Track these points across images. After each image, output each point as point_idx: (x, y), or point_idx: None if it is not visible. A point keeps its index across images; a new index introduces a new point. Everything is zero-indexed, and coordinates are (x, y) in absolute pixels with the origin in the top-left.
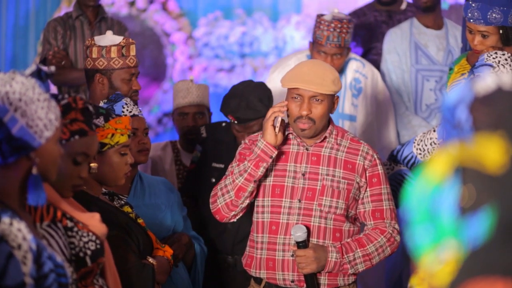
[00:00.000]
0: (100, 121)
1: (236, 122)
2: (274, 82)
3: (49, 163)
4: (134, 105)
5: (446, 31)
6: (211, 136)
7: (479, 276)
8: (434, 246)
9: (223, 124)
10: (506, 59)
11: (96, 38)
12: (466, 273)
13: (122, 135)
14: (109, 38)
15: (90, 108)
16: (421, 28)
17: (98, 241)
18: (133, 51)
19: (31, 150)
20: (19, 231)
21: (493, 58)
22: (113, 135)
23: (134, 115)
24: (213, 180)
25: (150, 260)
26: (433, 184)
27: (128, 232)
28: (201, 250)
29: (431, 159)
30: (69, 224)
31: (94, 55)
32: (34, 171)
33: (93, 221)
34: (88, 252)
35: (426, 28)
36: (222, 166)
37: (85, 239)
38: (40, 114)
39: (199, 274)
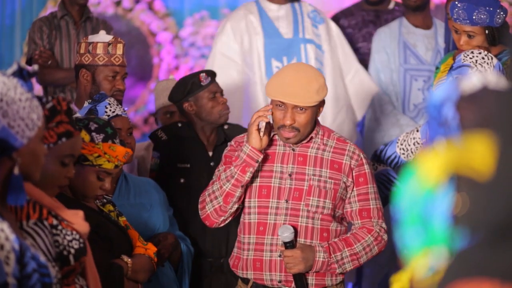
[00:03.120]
0: (98, 137)
1: (209, 77)
2: (227, 36)
3: (32, 163)
4: (117, 105)
5: (435, 31)
6: (171, 136)
7: (466, 278)
8: (424, 251)
9: (179, 124)
10: (483, 58)
11: (90, 36)
12: (453, 274)
13: (108, 161)
14: (101, 37)
15: (72, 106)
16: (410, 28)
17: (81, 240)
18: (120, 50)
19: (13, 150)
20: (2, 231)
21: (470, 58)
22: (98, 156)
23: (117, 115)
24: (182, 180)
25: (125, 259)
26: (426, 188)
27: (97, 232)
28: (187, 250)
29: (423, 159)
30: (54, 222)
31: (82, 51)
32: (16, 171)
33: (77, 219)
34: (72, 250)
35: (415, 27)
36: (187, 165)
37: (69, 238)
38: (22, 114)
39: (186, 274)
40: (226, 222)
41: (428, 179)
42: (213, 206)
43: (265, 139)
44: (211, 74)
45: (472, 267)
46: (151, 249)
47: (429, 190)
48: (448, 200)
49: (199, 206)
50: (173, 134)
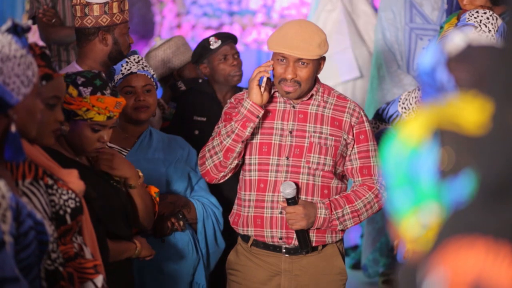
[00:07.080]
0: (86, 91)
1: (219, 41)
2: None
3: (28, 119)
4: (137, 62)
5: None
6: (190, 89)
7: (460, 235)
8: (414, 210)
9: (200, 80)
10: (487, 18)
11: None
12: (447, 232)
13: (99, 114)
14: None
15: (47, 52)
16: None
17: (77, 199)
18: (127, 5)
19: (9, 107)
20: None
21: (475, 18)
22: (87, 110)
23: (131, 73)
24: (196, 132)
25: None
26: (410, 147)
27: (100, 193)
28: (204, 212)
29: (407, 120)
30: (50, 181)
31: (96, 13)
32: (13, 128)
33: (71, 178)
34: (68, 210)
35: None
36: (204, 119)
37: (65, 197)
38: (17, 71)
39: (202, 235)
40: (226, 178)
41: (412, 138)
42: (213, 162)
43: (265, 95)
44: (222, 37)
45: (465, 226)
46: (152, 189)
47: (414, 148)
48: (433, 155)
49: (199, 162)
50: (192, 87)
